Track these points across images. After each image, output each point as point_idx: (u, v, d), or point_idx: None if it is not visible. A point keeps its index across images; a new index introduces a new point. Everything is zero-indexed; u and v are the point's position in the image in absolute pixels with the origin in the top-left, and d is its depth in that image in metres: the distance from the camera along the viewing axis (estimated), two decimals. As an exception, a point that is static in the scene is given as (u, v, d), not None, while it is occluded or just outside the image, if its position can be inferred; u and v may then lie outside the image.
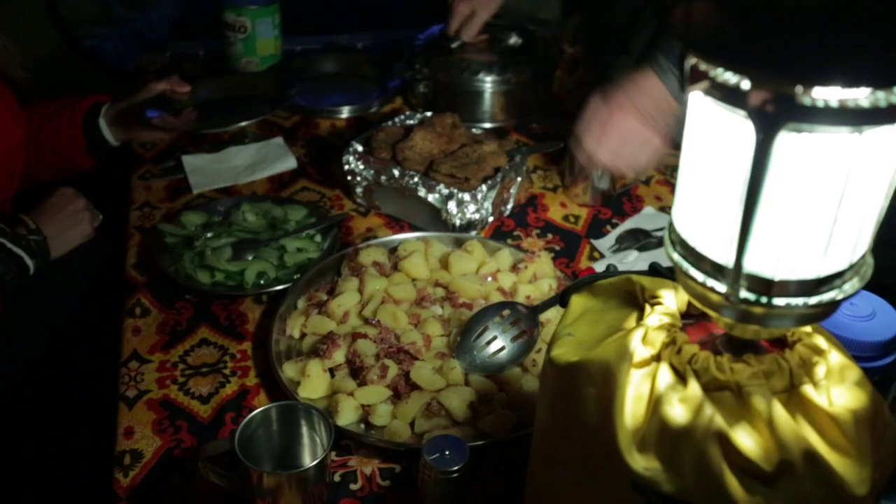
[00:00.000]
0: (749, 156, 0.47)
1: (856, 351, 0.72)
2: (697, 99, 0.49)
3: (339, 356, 1.01)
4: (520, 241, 1.31)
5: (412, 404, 0.94)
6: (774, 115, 0.44)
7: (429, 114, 1.41)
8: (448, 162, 1.28)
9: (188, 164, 1.46)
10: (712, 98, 0.47)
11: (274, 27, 1.76)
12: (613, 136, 1.22)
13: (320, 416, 0.84)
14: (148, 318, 1.13)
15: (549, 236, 1.33)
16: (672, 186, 1.45)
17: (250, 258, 1.19)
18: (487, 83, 1.58)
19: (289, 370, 1.00)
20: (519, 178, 1.33)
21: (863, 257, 0.53)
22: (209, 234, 1.23)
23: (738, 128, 0.47)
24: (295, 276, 1.17)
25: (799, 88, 0.42)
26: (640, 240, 1.30)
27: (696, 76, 0.47)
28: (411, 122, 1.42)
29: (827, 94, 0.42)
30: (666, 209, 1.38)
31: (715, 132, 0.49)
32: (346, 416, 0.94)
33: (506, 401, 0.96)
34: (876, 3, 0.48)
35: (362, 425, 0.95)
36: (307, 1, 2.49)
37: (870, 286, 0.56)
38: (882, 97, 0.42)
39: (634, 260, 1.26)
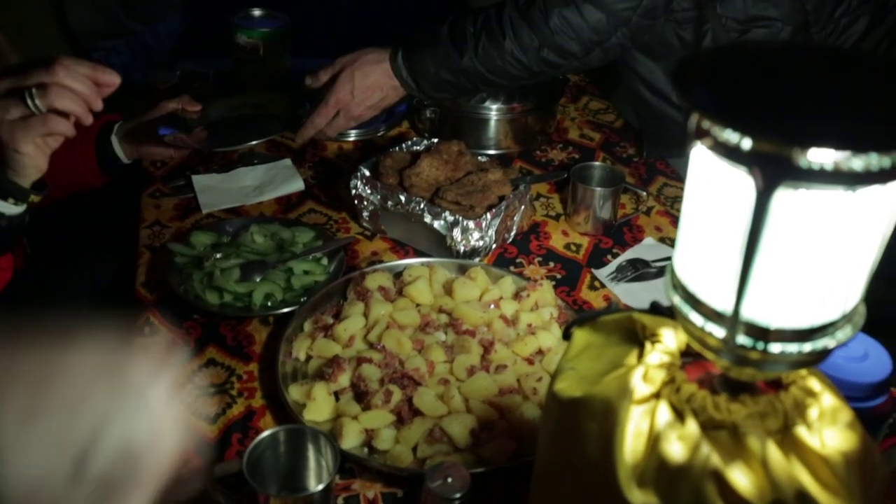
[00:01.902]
0: (749, 209, 0.49)
1: (848, 391, 0.74)
2: (701, 152, 0.52)
3: (344, 380, 1.03)
4: (522, 268, 1.34)
5: (415, 430, 0.96)
6: (773, 173, 0.46)
7: (435, 140, 1.43)
8: (454, 189, 1.31)
9: (198, 183, 1.49)
10: (714, 153, 0.50)
11: (285, 49, 1.79)
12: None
13: (327, 440, 0.86)
14: (157, 337, 1.15)
15: (551, 264, 1.35)
16: (672, 217, 1.47)
17: (258, 280, 1.21)
18: (493, 111, 1.61)
19: (294, 392, 1.02)
20: (522, 207, 1.36)
21: (855, 307, 0.55)
22: (218, 255, 1.25)
23: (739, 182, 0.49)
24: (302, 299, 1.19)
25: (796, 151, 0.45)
26: (640, 269, 1.32)
27: (700, 133, 0.50)
28: (418, 148, 1.45)
29: (822, 157, 0.44)
30: (666, 240, 1.41)
31: (716, 185, 0.52)
32: (350, 439, 0.96)
33: (506, 428, 0.98)
34: (869, 75, 0.51)
35: (365, 449, 0.97)
36: (317, 22, 2.53)
37: (870, 321, 0.58)
38: (874, 161, 0.44)
39: (635, 290, 1.28)
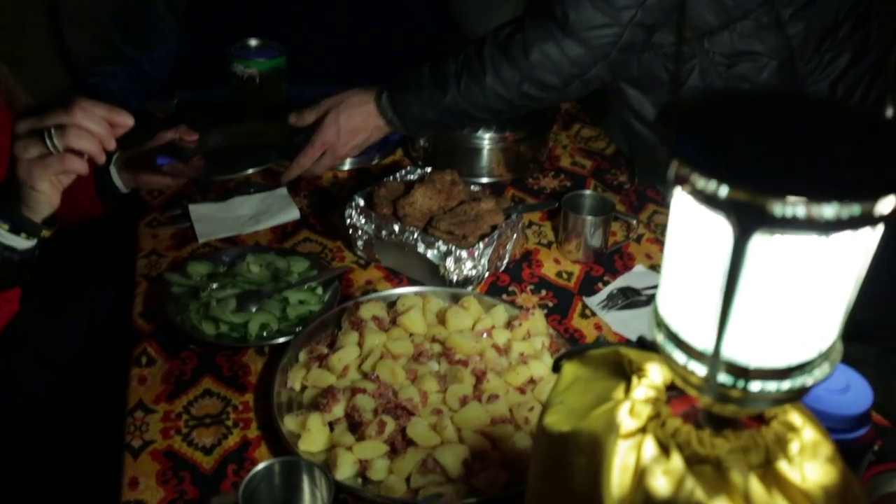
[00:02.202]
0: (727, 253, 0.51)
1: (830, 423, 0.76)
2: (681, 196, 0.54)
3: (338, 410, 1.04)
4: (514, 296, 1.36)
5: (408, 460, 0.98)
6: (748, 220, 0.48)
7: (429, 170, 1.45)
8: (447, 219, 1.33)
9: (194, 212, 1.51)
10: (694, 198, 0.52)
11: (281, 78, 1.82)
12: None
13: (321, 472, 0.88)
14: (153, 367, 1.16)
15: (543, 292, 1.37)
16: (662, 244, 1.49)
17: (254, 310, 1.23)
18: (485, 140, 1.63)
19: (290, 423, 1.04)
20: (514, 236, 1.38)
21: (832, 345, 0.57)
22: (214, 285, 1.27)
23: (718, 227, 0.51)
24: (297, 329, 1.20)
25: (770, 199, 0.47)
26: (630, 297, 1.34)
27: (680, 179, 0.52)
28: (412, 177, 1.47)
29: (795, 206, 0.46)
30: (656, 267, 1.43)
31: (697, 229, 0.54)
32: (345, 470, 0.97)
33: (499, 458, 0.99)
34: (843, 123, 0.53)
35: (359, 479, 0.99)
36: (313, 51, 2.56)
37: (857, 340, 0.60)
38: (845, 210, 0.46)
39: (626, 318, 1.30)
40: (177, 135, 1.49)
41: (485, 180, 1.65)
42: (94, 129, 1.05)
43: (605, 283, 1.39)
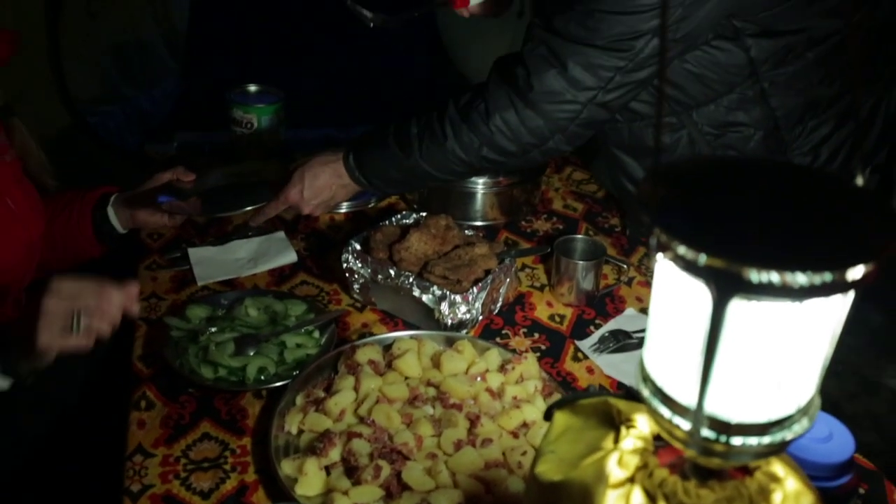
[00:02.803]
0: (707, 315, 0.54)
1: (813, 471, 0.78)
2: (664, 262, 0.57)
3: (335, 454, 1.06)
4: (508, 339, 1.38)
5: (404, 504, 0.99)
6: (726, 287, 0.51)
7: (424, 214, 1.49)
8: (441, 264, 1.36)
9: (193, 255, 1.54)
10: (675, 265, 0.55)
11: (278, 123, 1.86)
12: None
13: (318, 517, 0.89)
14: (152, 411, 1.18)
15: (536, 335, 1.39)
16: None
17: (252, 354, 1.25)
18: (479, 184, 1.67)
19: (287, 467, 1.05)
20: (508, 279, 1.41)
21: (810, 400, 0.60)
22: (213, 329, 1.29)
23: (698, 291, 0.54)
24: (294, 372, 1.22)
25: (746, 268, 0.50)
26: (621, 340, 1.37)
27: (662, 246, 0.55)
28: (407, 221, 1.50)
29: (770, 275, 0.49)
30: (646, 310, 1.45)
31: (678, 292, 0.57)
32: (341, 515, 0.99)
33: (492, 503, 1.01)
34: (817, 192, 0.56)
35: (356, 524, 1.00)
36: (310, 93, 2.61)
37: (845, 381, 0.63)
38: (816, 278, 0.49)
39: (617, 361, 1.33)
40: (174, 176, 1.52)
41: (479, 223, 1.69)
42: (114, 313, 1.13)
43: (597, 327, 1.42)
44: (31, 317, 1.09)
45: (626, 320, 1.43)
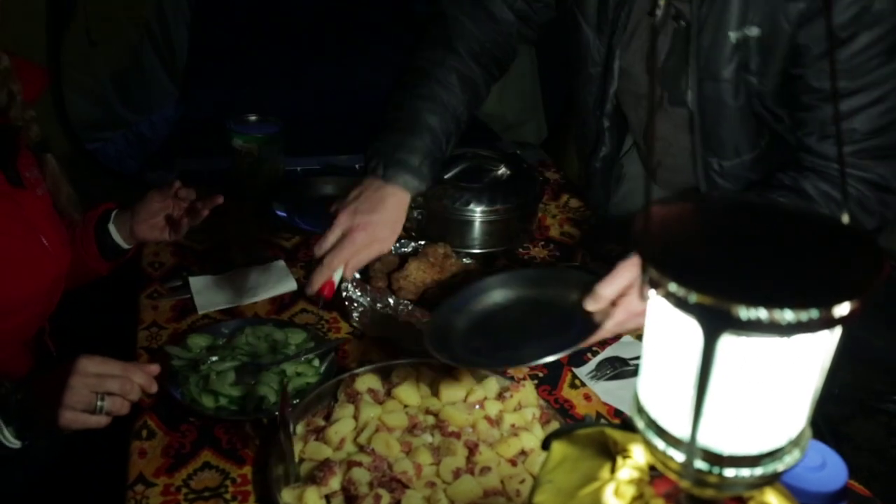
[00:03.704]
0: (698, 350, 0.55)
1: (806, 500, 0.79)
2: (656, 298, 0.59)
3: (335, 483, 1.07)
4: (506, 367, 1.39)
5: (403, 533, 1.00)
6: (716, 323, 0.53)
7: (422, 243, 1.50)
8: (440, 292, 1.37)
9: (194, 284, 1.55)
10: (667, 301, 0.56)
11: (278, 152, 1.88)
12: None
13: (318, 547, 0.90)
14: (154, 440, 1.19)
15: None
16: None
17: (252, 383, 1.26)
18: (477, 213, 1.69)
19: (287, 496, 1.06)
20: (505, 307, 1.42)
21: (801, 432, 0.61)
22: (214, 358, 1.30)
23: (689, 327, 0.56)
24: (294, 401, 1.23)
25: (735, 305, 0.51)
26: (618, 368, 1.38)
27: (654, 283, 0.56)
28: (406, 250, 1.52)
29: (758, 311, 0.51)
30: (643, 337, 1.47)
31: (670, 327, 0.58)
32: (341, 544, 1.00)
33: (492, 531, 1.02)
34: (804, 231, 0.58)
35: (356, 554, 1.01)
36: (308, 119, 2.64)
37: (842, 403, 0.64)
38: (803, 315, 0.51)
39: (614, 388, 1.34)
40: (173, 192, 1.54)
41: (476, 251, 1.70)
42: (134, 397, 1.16)
43: (594, 354, 1.43)
44: (55, 390, 1.11)
45: (622, 347, 1.44)
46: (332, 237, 1.26)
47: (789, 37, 1.26)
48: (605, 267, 1.63)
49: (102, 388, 1.12)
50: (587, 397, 1.33)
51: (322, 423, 1.18)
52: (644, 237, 0.58)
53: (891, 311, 1.41)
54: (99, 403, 1.11)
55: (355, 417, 1.18)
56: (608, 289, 1.17)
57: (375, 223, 1.28)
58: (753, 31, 1.28)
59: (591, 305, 1.17)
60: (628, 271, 1.18)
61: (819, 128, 1.30)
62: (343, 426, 1.16)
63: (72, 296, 1.48)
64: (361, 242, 1.26)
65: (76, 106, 2.64)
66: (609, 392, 1.34)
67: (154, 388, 1.17)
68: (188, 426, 1.22)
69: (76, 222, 1.44)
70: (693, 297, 0.53)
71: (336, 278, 1.25)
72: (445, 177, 1.74)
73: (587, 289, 1.17)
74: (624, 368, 1.38)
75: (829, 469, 0.82)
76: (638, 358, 1.40)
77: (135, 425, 1.21)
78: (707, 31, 1.32)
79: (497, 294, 1.26)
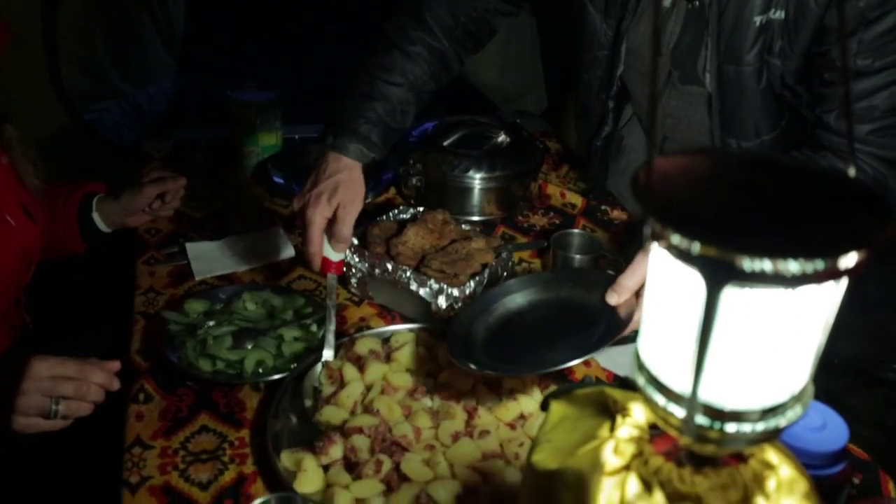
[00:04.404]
0: (701, 303, 0.54)
1: (807, 460, 0.79)
2: (658, 251, 0.58)
3: (335, 452, 1.06)
4: (505, 333, 1.38)
5: (402, 496, 1.00)
6: (719, 275, 0.52)
7: (421, 209, 1.49)
8: (439, 258, 1.36)
9: (191, 251, 1.54)
10: (669, 253, 0.55)
11: (276, 120, 1.86)
12: None
13: (316, 508, 0.90)
14: (150, 404, 1.19)
15: (533, 329, 1.40)
16: (649, 282, 1.53)
17: (250, 347, 1.26)
18: (476, 179, 1.67)
19: (285, 459, 1.06)
20: (505, 274, 1.41)
21: (803, 388, 0.60)
22: (211, 323, 1.29)
23: (691, 279, 0.55)
24: (292, 366, 1.23)
25: (739, 256, 0.50)
26: (619, 334, 1.37)
27: (656, 235, 0.55)
28: (404, 216, 1.51)
29: (762, 262, 0.50)
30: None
31: (673, 280, 0.57)
32: (342, 509, 0.99)
33: (490, 494, 1.02)
34: (809, 183, 0.57)
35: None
36: (307, 89, 2.61)
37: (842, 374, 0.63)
38: (809, 266, 0.50)
39: (614, 355, 1.33)
40: (163, 188, 1.53)
41: (476, 218, 1.69)
42: (93, 398, 1.11)
43: (594, 320, 1.42)
44: (7, 395, 1.07)
45: (622, 314, 1.43)
46: (315, 236, 1.27)
47: (817, 18, 1.24)
48: (605, 235, 1.63)
49: (56, 392, 1.08)
50: (586, 363, 1.33)
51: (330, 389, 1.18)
52: (646, 189, 0.57)
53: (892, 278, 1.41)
54: (54, 408, 1.07)
55: (361, 378, 1.18)
56: (630, 279, 1.16)
57: (342, 186, 1.29)
58: (778, 14, 1.26)
59: (613, 299, 1.17)
60: (647, 258, 1.17)
61: (840, 105, 1.28)
62: (354, 389, 1.15)
63: (52, 267, 1.47)
64: (335, 202, 1.28)
65: (72, 77, 2.61)
66: (609, 358, 1.33)
67: (116, 386, 1.13)
68: (185, 390, 1.21)
69: (47, 193, 1.42)
70: (696, 248, 0.52)
71: (334, 256, 1.28)
72: (444, 143, 1.72)
73: (606, 285, 1.17)
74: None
75: (830, 430, 0.81)
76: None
77: (132, 389, 1.21)
78: (729, 15, 1.30)
79: (515, 298, 1.26)
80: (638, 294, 1.17)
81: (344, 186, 1.29)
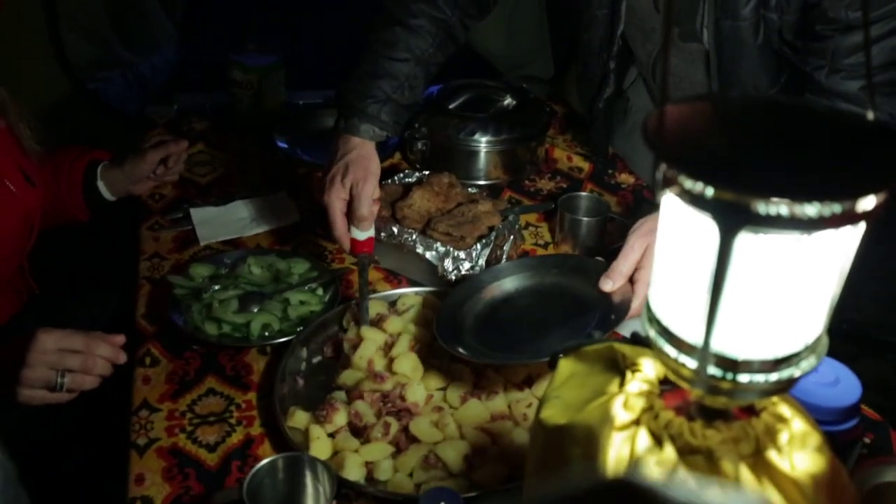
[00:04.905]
0: (714, 251, 0.53)
1: (819, 416, 0.78)
2: (669, 198, 0.56)
3: (340, 419, 1.06)
4: (512, 296, 1.38)
5: (411, 456, 1.00)
6: (733, 220, 0.50)
7: (426, 173, 1.48)
8: (445, 221, 1.35)
9: (196, 216, 1.53)
10: (681, 200, 0.54)
11: (279, 83, 1.84)
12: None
13: (324, 467, 0.90)
14: (157, 367, 1.18)
15: (540, 292, 1.39)
16: (658, 244, 1.51)
17: (255, 311, 1.25)
18: (482, 143, 1.65)
19: (292, 420, 1.06)
20: (511, 237, 1.40)
21: (818, 338, 0.59)
22: (216, 287, 1.29)
23: (704, 226, 0.53)
24: (298, 329, 1.22)
25: (754, 199, 0.49)
26: (627, 297, 1.36)
27: (668, 181, 0.54)
28: (410, 180, 1.49)
29: (778, 205, 0.48)
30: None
31: (685, 228, 0.56)
32: (352, 472, 0.99)
33: (498, 454, 1.01)
34: (824, 127, 0.55)
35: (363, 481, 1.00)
36: (311, 55, 2.58)
37: (849, 340, 0.62)
38: (825, 208, 0.48)
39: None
40: (165, 153, 1.52)
41: (482, 183, 1.67)
42: (99, 371, 1.09)
43: (602, 283, 1.41)
44: (12, 366, 1.05)
45: (630, 276, 1.42)
46: (336, 218, 1.26)
47: None
48: (612, 198, 1.61)
49: (62, 365, 1.06)
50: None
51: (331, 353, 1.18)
52: (657, 135, 0.56)
53: None
54: (59, 381, 1.06)
55: (384, 329, 1.18)
56: (625, 264, 1.15)
57: (352, 164, 1.28)
58: None
59: (608, 286, 1.15)
60: (641, 240, 1.16)
61: (830, 60, 1.25)
62: (366, 350, 1.14)
63: (56, 234, 1.46)
64: (349, 182, 1.26)
65: (73, 46, 2.59)
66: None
67: (122, 360, 1.11)
68: (192, 354, 1.21)
69: (49, 158, 1.41)
70: (710, 192, 0.51)
71: (360, 235, 1.27)
72: (450, 107, 1.70)
73: (597, 272, 1.15)
74: (632, 297, 1.36)
75: (843, 385, 0.80)
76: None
77: (138, 353, 1.20)
78: None
79: (503, 284, 1.24)
80: (632, 280, 1.15)
81: (354, 165, 1.28)
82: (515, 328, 1.17)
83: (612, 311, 1.13)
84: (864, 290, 0.83)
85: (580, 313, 1.15)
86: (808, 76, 1.29)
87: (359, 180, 1.26)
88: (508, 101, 1.75)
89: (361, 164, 1.28)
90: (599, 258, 1.24)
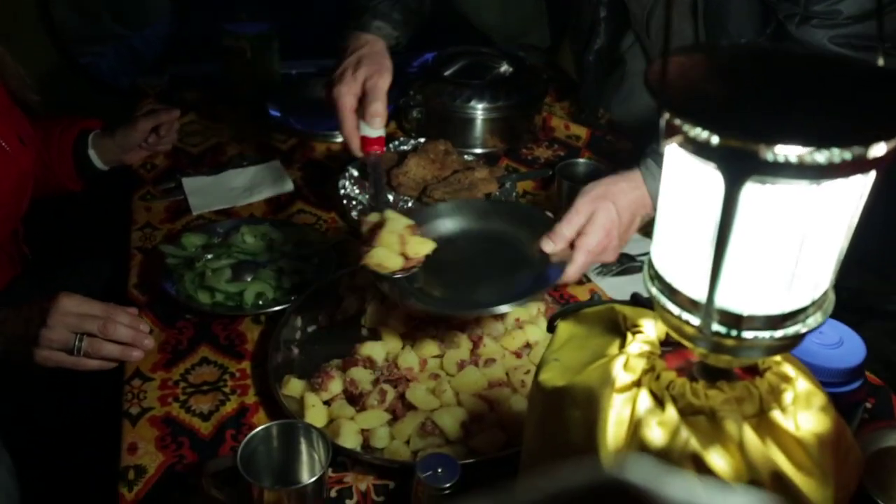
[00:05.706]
0: (719, 202, 0.51)
1: (823, 377, 0.76)
2: (673, 150, 0.54)
3: (335, 387, 1.04)
4: (510, 264, 1.36)
5: (408, 423, 0.98)
6: (740, 168, 0.49)
7: (422, 140, 1.45)
8: (441, 188, 1.33)
9: (188, 185, 1.51)
10: (686, 150, 0.52)
11: (272, 52, 1.81)
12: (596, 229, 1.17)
13: (319, 434, 0.88)
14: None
15: (538, 260, 1.37)
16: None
17: (249, 279, 1.23)
18: (479, 110, 1.63)
19: (287, 389, 1.04)
20: (509, 204, 1.38)
21: (825, 294, 0.57)
22: (209, 256, 1.27)
23: (709, 177, 0.52)
24: (292, 298, 1.21)
25: (762, 146, 0.47)
26: (625, 264, 1.35)
27: (671, 130, 0.52)
28: (405, 147, 1.47)
29: (787, 152, 0.47)
30: (650, 234, 1.43)
31: (689, 180, 0.54)
32: (348, 440, 0.97)
33: (496, 420, 1.00)
34: (831, 74, 0.53)
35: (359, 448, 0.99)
36: (304, 24, 2.54)
37: (855, 308, 0.61)
38: (836, 154, 0.46)
39: (621, 283, 1.31)
40: (157, 122, 1.50)
41: (478, 151, 1.65)
42: (117, 337, 1.07)
43: (600, 251, 1.39)
44: (31, 327, 1.04)
45: (630, 244, 1.40)
46: (346, 115, 1.21)
47: None
48: (611, 166, 1.59)
49: (82, 328, 1.05)
50: (593, 293, 1.30)
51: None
52: (660, 83, 0.53)
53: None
54: (77, 344, 1.05)
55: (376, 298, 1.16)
56: (568, 228, 1.12)
57: (365, 58, 1.23)
58: None
59: (549, 247, 1.12)
60: (588, 205, 1.14)
61: (803, 8, 1.21)
62: (396, 224, 1.09)
63: (49, 203, 1.44)
64: (362, 76, 1.22)
65: (64, 20, 2.55)
66: (616, 287, 1.31)
67: (145, 329, 1.10)
68: (185, 323, 1.19)
69: (33, 102, 1.38)
70: (715, 140, 0.49)
71: (372, 133, 1.21)
72: (445, 74, 1.67)
73: (543, 228, 1.11)
74: (631, 264, 1.34)
75: (847, 346, 0.79)
76: (645, 254, 1.36)
77: (130, 322, 1.18)
78: None
79: (446, 223, 1.19)
80: (573, 245, 1.13)
81: (367, 59, 1.23)
82: (451, 272, 1.14)
83: (548, 272, 1.09)
84: (864, 257, 0.82)
85: (517, 268, 1.12)
86: (781, 29, 1.26)
87: (373, 73, 1.21)
88: (505, 68, 1.73)
89: (375, 59, 1.24)
90: (550, 214, 1.19)
